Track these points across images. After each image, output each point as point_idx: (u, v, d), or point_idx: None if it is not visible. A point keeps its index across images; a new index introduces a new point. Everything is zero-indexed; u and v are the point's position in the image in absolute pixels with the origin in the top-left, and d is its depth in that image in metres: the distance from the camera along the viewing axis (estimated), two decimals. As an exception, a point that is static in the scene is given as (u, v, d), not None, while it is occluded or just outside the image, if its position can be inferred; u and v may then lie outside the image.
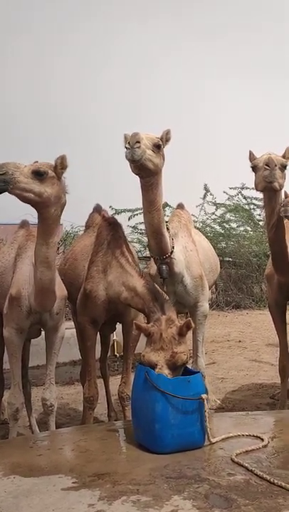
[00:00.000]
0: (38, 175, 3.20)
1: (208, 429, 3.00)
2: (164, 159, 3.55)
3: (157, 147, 3.47)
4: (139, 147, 3.31)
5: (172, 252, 3.91)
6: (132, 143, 3.32)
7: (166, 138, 3.58)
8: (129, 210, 14.12)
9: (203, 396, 2.99)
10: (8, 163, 3.12)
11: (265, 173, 3.82)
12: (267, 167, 3.81)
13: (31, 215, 3.88)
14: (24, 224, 4.17)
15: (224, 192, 15.71)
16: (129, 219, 14.11)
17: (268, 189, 3.92)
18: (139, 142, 3.32)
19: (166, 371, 3.01)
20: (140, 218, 14.13)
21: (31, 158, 3.34)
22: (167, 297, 3.47)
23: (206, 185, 15.77)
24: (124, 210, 14.19)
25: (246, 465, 2.66)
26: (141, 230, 14.30)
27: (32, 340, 4.42)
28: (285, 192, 4.07)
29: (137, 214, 13.94)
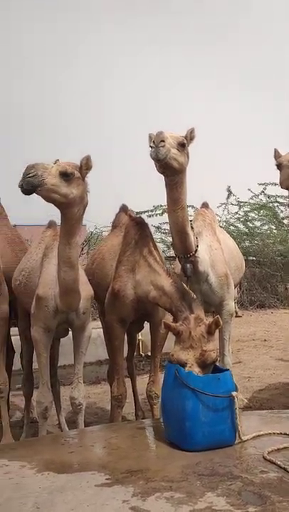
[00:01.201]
0: (65, 176, 3.23)
1: (239, 427, 2.99)
2: (188, 158, 3.56)
3: (182, 146, 3.47)
4: (163, 146, 3.32)
5: (196, 250, 3.90)
6: (157, 142, 3.33)
7: (190, 136, 3.58)
8: (145, 212, 14.02)
9: (234, 393, 2.99)
10: (37, 164, 3.15)
11: None
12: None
13: (55, 215, 3.93)
14: (51, 224, 4.21)
15: (248, 189, 15.58)
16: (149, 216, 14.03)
17: None
18: (163, 141, 3.32)
19: (196, 369, 3.02)
20: (161, 219, 14.13)
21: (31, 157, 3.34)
22: (195, 296, 3.47)
23: (229, 187, 15.71)
24: (140, 212, 14.14)
25: (279, 463, 2.65)
26: (164, 229, 14.29)
27: (59, 340, 4.46)
28: None
29: (152, 215, 13.91)
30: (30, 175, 3.09)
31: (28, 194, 3.15)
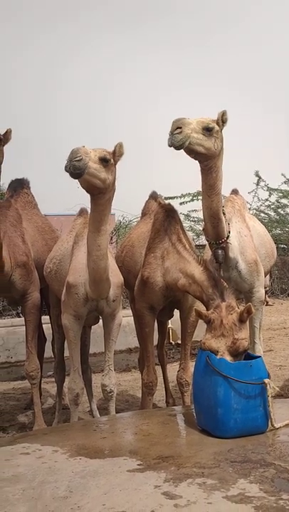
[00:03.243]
0: (104, 161, 3.23)
1: (272, 414, 2.97)
2: (221, 141, 3.50)
3: (207, 130, 3.42)
4: (180, 133, 3.30)
5: (228, 236, 3.86)
6: (172, 129, 3.32)
7: (222, 119, 3.52)
8: (174, 197, 13.87)
9: (266, 380, 2.96)
10: (80, 148, 3.14)
11: None
12: None
13: (84, 205, 3.94)
14: (82, 212, 4.21)
15: (282, 174, 15.27)
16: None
17: None
18: (180, 128, 3.31)
19: (227, 358, 2.99)
20: (190, 206, 14.03)
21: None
22: (226, 284, 3.43)
23: (257, 171, 15.44)
24: (170, 198, 14.04)
25: (312, 450, 2.61)
26: (194, 217, 14.22)
27: (89, 327, 4.48)
28: None
29: (183, 203, 13.82)
30: (76, 158, 3.08)
31: (76, 178, 3.16)
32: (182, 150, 3.40)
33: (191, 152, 3.41)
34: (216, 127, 3.47)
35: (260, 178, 15.31)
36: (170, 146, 3.34)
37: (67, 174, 3.13)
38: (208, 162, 3.49)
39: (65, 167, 3.09)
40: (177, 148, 3.33)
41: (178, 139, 3.30)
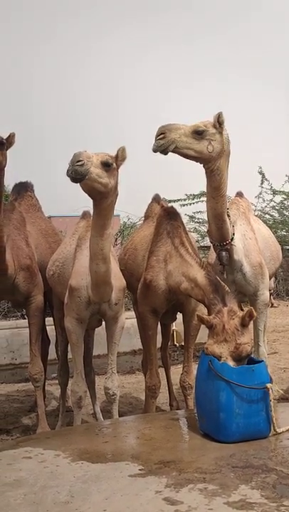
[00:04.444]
0: (106, 166, 3.23)
1: (274, 419, 2.96)
2: (219, 144, 3.48)
3: (198, 133, 3.43)
4: (162, 138, 3.35)
5: (232, 238, 3.86)
6: (156, 135, 3.37)
7: (218, 121, 3.50)
8: (177, 200, 13.85)
9: (268, 385, 2.95)
10: (82, 153, 3.13)
11: None
12: None
13: (87, 207, 3.94)
14: (85, 215, 4.21)
15: (286, 175, 15.23)
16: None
17: None
18: (163, 133, 3.35)
19: (230, 363, 2.99)
20: (195, 208, 14.00)
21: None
22: (228, 288, 3.42)
23: (260, 168, 15.40)
24: (173, 201, 14.03)
25: (315, 456, 2.60)
26: (198, 219, 14.19)
27: (93, 329, 4.48)
28: None
29: (186, 205, 13.80)
30: (79, 163, 3.07)
31: (77, 182, 3.15)
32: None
33: (183, 156, 3.45)
34: (210, 130, 3.46)
35: (264, 176, 15.27)
36: (153, 151, 3.40)
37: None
38: (209, 165, 3.49)
39: (67, 171, 3.08)
40: (162, 153, 3.38)
41: (159, 145, 3.35)
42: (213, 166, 3.49)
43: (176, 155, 3.47)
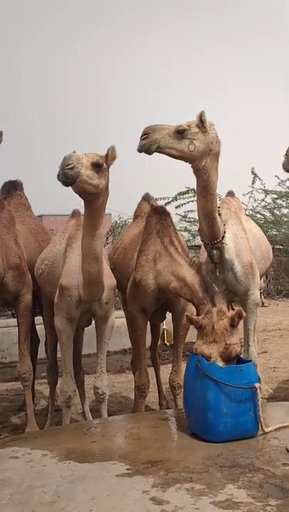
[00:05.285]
0: (97, 166, 3.22)
1: (262, 419, 2.96)
2: (202, 143, 3.48)
3: (178, 133, 3.45)
4: (145, 138, 3.39)
5: (223, 237, 3.86)
6: (141, 135, 3.40)
7: (201, 120, 3.49)
8: (169, 202, 13.87)
9: (256, 385, 2.95)
10: (72, 155, 3.12)
11: (283, 161, 3.77)
12: (285, 155, 3.75)
13: (78, 205, 3.93)
14: (75, 214, 4.20)
15: (275, 176, 15.28)
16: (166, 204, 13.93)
17: None
18: (147, 133, 3.39)
19: (220, 363, 2.99)
20: (187, 207, 14.01)
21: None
22: (217, 288, 3.42)
23: (252, 168, 15.45)
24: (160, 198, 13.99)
25: (302, 455, 2.61)
26: (190, 218, 14.20)
27: (83, 328, 4.47)
28: None
29: (179, 206, 13.82)
30: (69, 166, 3.07)
31: (68, 186, 3.14)
32: None
33: (167, 155, 3.49)
34: (192, 129, 3.46)
35: (256, 175, 15.33)
36: (137, 151, 3.43)
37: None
38: (194, 164, 3.51)
39: (58, 176, 3.07)
40: (146, 152, 3.42)
41: (141, 144, 3.40)
42: (199, 165, 3.50)
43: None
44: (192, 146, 3.46)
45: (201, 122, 3.47)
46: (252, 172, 15.38)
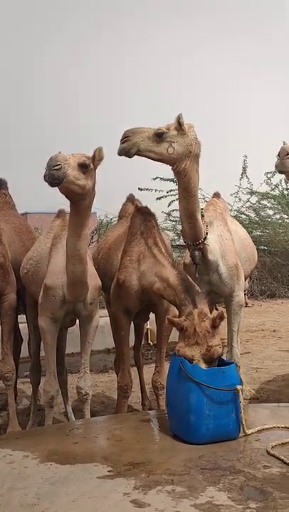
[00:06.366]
0: (84, 167, 3.21)
1: (244, 421, 2.98)
2: (181, 146, 3.50)
3: (157, 136, 3.47)
4: (125, 141, 3.42)
5: (206, 238, 3.87)
6: (121, 139, 3.44)
7: (178, 123, 3.50)
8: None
9: (238, 387, 2.97)
10: (58, 156, 3.11)
11: (276, 162, 3.82)
12: (277, 156, 3.80)
13: (64, 204, 3.91)
14: (61, 213, 4.19)
15: (265, 173, 15.32)
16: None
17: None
18: (128, 136, 3.42)
19: (202, 365, 3.00)
20: (172, 206, 14.05)
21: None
22: (199, 289, 3.43)
23: (245, 157, 15.51)
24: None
25: (282, 458, 2.62)
26: (175, 217, 14.23)
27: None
28: None
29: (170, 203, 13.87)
30: (56, 167, 3.05)
31: (54, 186, 3.13)
32: None
33: (147, 158, 3.52)
34: (171, 132, 3.49)
35: (243, 172, 15.39)
36: (118, 154, 3.46)
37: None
38: (174, 166, 3.55)
39: (44, 176, 3.06)
40: (126, 155, 3.45)
41: (121, 148, 3.44)
42: (179, 167, 3.53)
43: None
44: (171, 148, 3.48)
45: (179, 125, 3.49)
46: (243, 163, 15.43)
